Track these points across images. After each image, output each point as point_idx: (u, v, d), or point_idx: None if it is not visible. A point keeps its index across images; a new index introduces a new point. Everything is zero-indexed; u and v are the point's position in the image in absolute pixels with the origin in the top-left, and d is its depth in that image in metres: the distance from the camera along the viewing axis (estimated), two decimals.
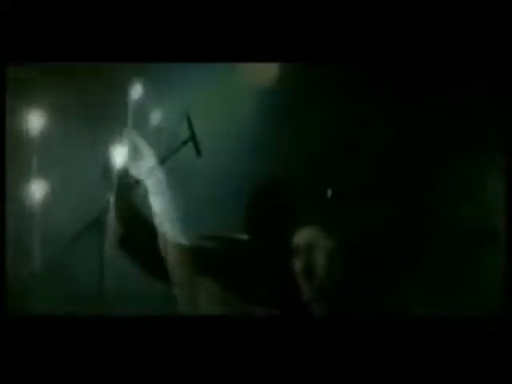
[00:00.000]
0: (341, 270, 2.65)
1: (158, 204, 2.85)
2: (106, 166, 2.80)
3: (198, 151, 3.74)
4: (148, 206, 2.82)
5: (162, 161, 3.64)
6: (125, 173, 2.78)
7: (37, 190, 5.07)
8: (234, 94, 5.04)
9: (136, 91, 5.18)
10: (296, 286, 2.67)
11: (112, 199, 2.81)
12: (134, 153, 2.80)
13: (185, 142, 3.75)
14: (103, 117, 5.21)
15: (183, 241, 2.80)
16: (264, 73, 5.02)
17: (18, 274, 4.30)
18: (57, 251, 4.73)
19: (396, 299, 3.75)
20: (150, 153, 2.83)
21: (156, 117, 5.17)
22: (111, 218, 3.17)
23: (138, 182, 2.84)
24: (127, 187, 2.76)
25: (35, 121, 4.91)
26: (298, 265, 2.66)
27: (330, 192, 3.02)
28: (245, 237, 2.96)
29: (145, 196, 2.86)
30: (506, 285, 3.29)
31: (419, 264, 4.17)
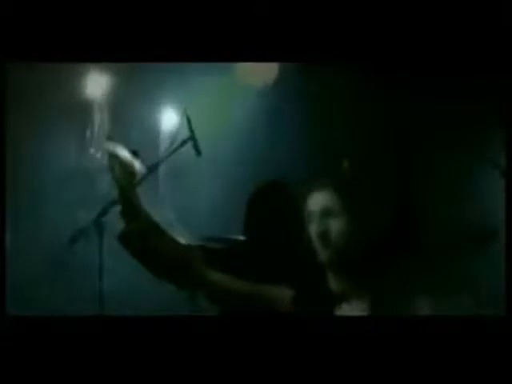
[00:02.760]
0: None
1: (158, 203, 2.85)
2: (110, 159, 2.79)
3: (198, 151, 3.74)
4: (147, 205, 2.82)
5: (162, 160, 3.65)
6: (128, 166, 2.77)
7: (36, 191, 5.09)
8: (233, 93, 5.05)
9: (135, 91, 5.21)
10: (311, 253, 2.65)
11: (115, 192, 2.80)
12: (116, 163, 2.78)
13: (184, 142, 3.75)
14: (100, 116, 5.23)
15: (183, 240, 2.80)
16: (264, 73, 5.03)
17: (18, 274, 4.31)
18: (57, 251, 4.75)
19: (396, 299, 3.75)
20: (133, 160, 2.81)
21: (155, 116, 5.19)
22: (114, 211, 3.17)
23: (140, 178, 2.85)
24: (129, 181, 2.76)
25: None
26: (313, 230, 2.64)
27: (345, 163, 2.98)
28: (244, 238, 2.95)
29: (144, 194, 2.86)
30: (507, 285, 3.29)
31: (420, 264, 4.16)
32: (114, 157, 2.77)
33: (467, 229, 4.40)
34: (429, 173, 4.70)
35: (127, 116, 5.06)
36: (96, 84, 5.02)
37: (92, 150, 4.95)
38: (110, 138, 2.83)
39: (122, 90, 4.89)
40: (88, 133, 4.88)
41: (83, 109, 4.95)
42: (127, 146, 2.92)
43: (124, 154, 2.78)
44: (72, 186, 5.08)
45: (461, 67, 3.97)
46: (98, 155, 4.95)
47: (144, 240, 2.71)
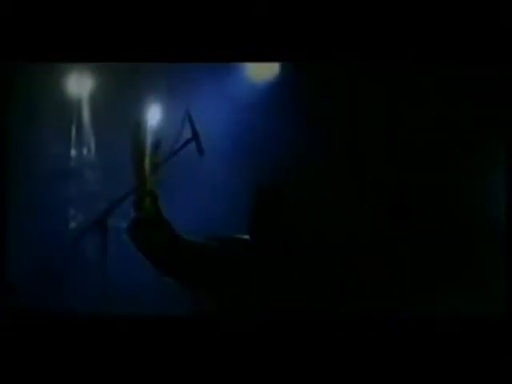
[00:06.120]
0: None
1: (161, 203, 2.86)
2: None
3: (201, 150, 3.74)
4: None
5: (165, 160, 3.64)
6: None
7: (38, 190, 5.09)
8: (234, 93, 5.05)
9: (137, 91, 5.21)
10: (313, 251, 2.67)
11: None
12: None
13: (187, 141, 3.74)
14: (102, 117, 5.24)
15: (189, 239, 2.80)
16: (264, 73, 5.03)
17: (17, 274, 4.31)
18: (58, 251, 4.75)
19: (397, 299, 3.75)
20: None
21: (158, 116, 5.18)
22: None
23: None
24: (151, 170, 2.78)
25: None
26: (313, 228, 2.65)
27: None
28: (248, 237, 2.95)
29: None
30: (507, 285, 3.29)
31: (420, 264, 4.17)
32: (137, 144, 2.78)
33: (467, 228, 4.40)
34: (428, 173, 4.70)
35: (129, 116, 5.06)
36: (97, 84, 5.02)
37: (94, 150, 4.96)
38: (137, 123, 2.83)
39: (124, 90, 4.90)
40: (89, 132, 4.89)
41: (83, 109, 4.96)
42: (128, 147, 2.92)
43: (148, 143, 2.80)
44: (73, 185, 5.09)
45: (461, 67, 3.98)
46: (101, 154, 4.95)
47: (151, 234, 2.71)
